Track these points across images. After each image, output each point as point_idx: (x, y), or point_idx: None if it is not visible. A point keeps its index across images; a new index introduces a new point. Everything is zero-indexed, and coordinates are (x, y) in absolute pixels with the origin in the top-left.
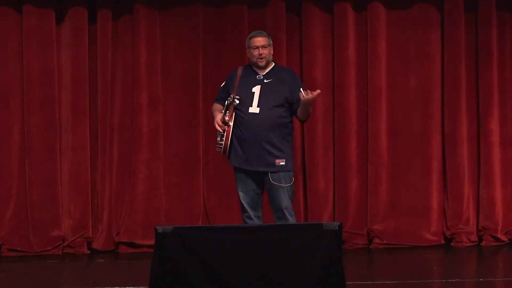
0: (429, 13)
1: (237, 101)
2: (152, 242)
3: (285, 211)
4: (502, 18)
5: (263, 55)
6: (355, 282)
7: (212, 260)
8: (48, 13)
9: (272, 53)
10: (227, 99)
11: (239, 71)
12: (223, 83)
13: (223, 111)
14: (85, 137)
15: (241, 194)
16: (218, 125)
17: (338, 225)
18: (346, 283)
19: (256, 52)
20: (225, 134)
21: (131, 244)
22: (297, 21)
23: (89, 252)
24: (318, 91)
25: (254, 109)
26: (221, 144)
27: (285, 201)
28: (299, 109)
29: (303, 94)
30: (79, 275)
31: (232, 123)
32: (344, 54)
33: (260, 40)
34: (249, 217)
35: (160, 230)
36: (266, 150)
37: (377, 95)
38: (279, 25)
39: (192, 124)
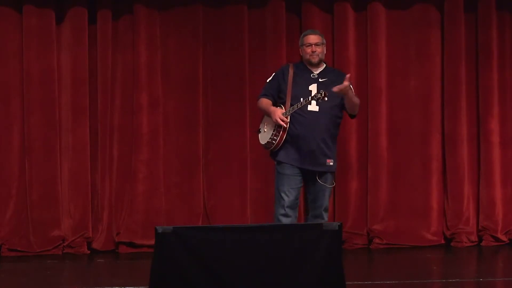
0: (429, 13)
1: (326, 98)
2: (152, 242)
3: (325, 211)
4: (502, 18)
5: (316, 52)
6: (355, 282)
7: (212, 260)
8: (48, 13)
9: (325, 52)
10: (315, 94)
11: (291, 68)
12: (270, 79)
13: (294, 106)
14: (85, 137)
15: (284, 191)
16: (282, 120)
17: (338, 225)
18: (346, 283)
19: (309, 49)
20: (282, 130)
21: (131, 244)
22: (297, 21)
23: (89, 252)
24: (348, 75)
25: (313, 107)
26: (275, 140)
27: (326, 201)
28: (345, 102)
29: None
30: (79, 275)
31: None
32: (344, 54)
33: (313, 38)
34: (286, 216)
35: (160, 230)
36: (321, 149)
37: (377, 95)
38: (279, 25)
39: (192, 124)
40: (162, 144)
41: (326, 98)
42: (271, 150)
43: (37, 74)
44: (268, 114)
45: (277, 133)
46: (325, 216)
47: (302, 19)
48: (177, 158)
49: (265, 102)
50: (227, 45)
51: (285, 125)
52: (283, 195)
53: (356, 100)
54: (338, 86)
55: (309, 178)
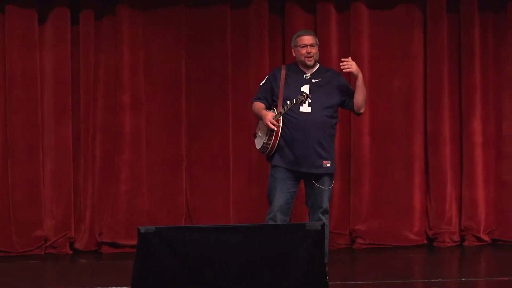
0: (412, 13)
1: (310, 100)
2: (135, 242)
3: (324, 214)
4: (484, 18)
5: (312, 53)
6: (338, 282)
7: (195, 260)
8: (31, 14)
9: (318, 53)
10: (298, 97)
11: (283, 70)
12: (263, 82)
13: (283, 109)
14: (67, 137)
15: (276, 196)
16: (272, 124)
17: (321, 225)
18: (329, 283)
19: (304, 51)
20: (274, 134)
21: (113, 244)
22: (280, 21)
23: (71, 252)
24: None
25: (305, 108)
26: (269, 144)
27: (325, 203)
28: (355, 92)
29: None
30: (61, 276)
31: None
32: (326, 54)
33: (308, 39)
34: (273, 219)
35: (142, 230)
36: (316, 151)
37: None
38: (262, 26)
39: (175, 124)
40: (145, 144)
41: (309, 100)
42: (267, 154)
43: (19, 74)
44: (260, 118)
45: (269, 137)
46: (324, 218)
47: (285, 19)
48: (160, 158)
49: (258, 106)
50: (209, 45)
51: (276, 128)
52: (272, 198)
53: (364, 90)
54: (345, 64)
55: (306, 181)
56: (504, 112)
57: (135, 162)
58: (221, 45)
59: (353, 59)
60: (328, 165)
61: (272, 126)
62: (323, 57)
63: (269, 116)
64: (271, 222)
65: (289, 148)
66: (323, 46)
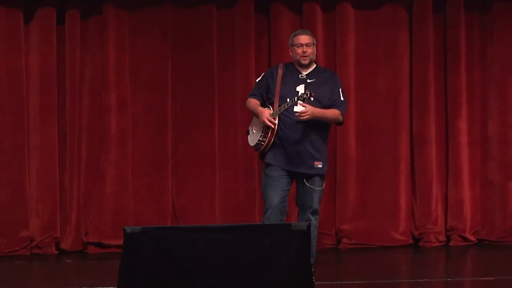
0: (398, 13)
1: (312, 98)
2: (121, 242)
3: (313, 214)
4: (470, 18)
5: (307, 53)
6: (324, 282)
7: (181, 260)
8: (16, 13)
9: (315, 53)
10: (301, 95)
11: (280, 68)
12: (260, 78)
13: (282, 106)
14: (53, 138)
15: (271, 193)
16: (269, 120)
17: (307, 225)
18: (315, 283)
19: (300, 50)
20: (270, 131)
21: (99, 245)
22: (266, 21)
23: (57, 252)
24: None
25: (299, 108)
26: (264, 141)
27: (315, 204)
28: None
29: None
30: (47, 276)
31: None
32: None
33: (304, 38)
34: (268, 219)
35: (128, 230)
36: (308, 151)
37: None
38: (247, 26)
39: (161, 124)
40: (131, 144)
41: (312, 98)
42: (261, 152)
43: (5, 74)
44: (256, 115)
45: (265, 135)
46: (314, 219)
47: (271, 19)
48: (146, 158)
49: (253, 102)
50: (195, 45)
51: (273, 126)
52: (267, 197)
53: (331, 114)
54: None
55: (298, 181)
56: (490, 112)
57: (121, 162)
58: (207, 45)
59: (339, 59)
60: (320, 166)
61: (270, 124)
62: None
63: (266, 113)
64: (267, 222)
65: (282, 147)
66: None
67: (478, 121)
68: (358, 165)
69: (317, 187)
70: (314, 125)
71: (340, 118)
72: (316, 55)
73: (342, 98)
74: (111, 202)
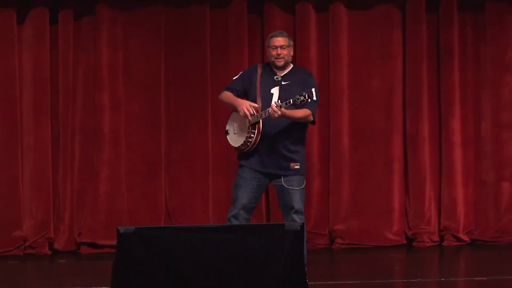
0: (391, 13)
1: (310, 100)
2: (114, 242)
3: (296, 214)
4: (463, 19)
5: (281, 55)
6: (317, 282)
7: (174, 260)
8: (9, 13)
9: (292, 54)
10: (299, 97)
11: (259, 68)
12: (237, 76)
13: (264, 111)
14: (46, 138)
15: (239, 194)
16: (247, 109)
17: (300, 225)
18: (308, 283)
19: (274, 52)
20: (257, 128)
21: (93, 245)
22: (259, 21)
23: (50, 252)
24: (272, 105)
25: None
26: (252, 138)
27: (297, 204)
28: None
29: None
30: (40, 276)
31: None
32: (305, 54)
33: (279, 40)
34: (236, 217)
35: (122, 231)
36: (282, 153)
37: (339, 95)
38: (241, 26)
39: (154, 124)
40: (124, 144)
41: (309, 100)
42: (249, 150)
43: None
44: (234, 106)
45: (252, 132)
46: (297, 218)
47: (264, 19)
48: (139, 158)
49: (229, 95)
50: (189, 45)
51: (250, 117)
52: (236, 197)
53: (302, 114)
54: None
55: (275, 183)
56: (483, 112)
57: (114, 162)
58: (200, 45)
59: (332, 59)
60: (297, 167)
61: (247, 112)
62: (302, 57)
63: (246, 102)
64: (233, 220)
65: (256, 150)
66: (302, 46)
67: (471, 121)
68: (352, 165)
69: (296, 187)
70: (288, 126)
71: (311, 117)
72: (310, 55)
73: (314, 98)
74: (104, 202)
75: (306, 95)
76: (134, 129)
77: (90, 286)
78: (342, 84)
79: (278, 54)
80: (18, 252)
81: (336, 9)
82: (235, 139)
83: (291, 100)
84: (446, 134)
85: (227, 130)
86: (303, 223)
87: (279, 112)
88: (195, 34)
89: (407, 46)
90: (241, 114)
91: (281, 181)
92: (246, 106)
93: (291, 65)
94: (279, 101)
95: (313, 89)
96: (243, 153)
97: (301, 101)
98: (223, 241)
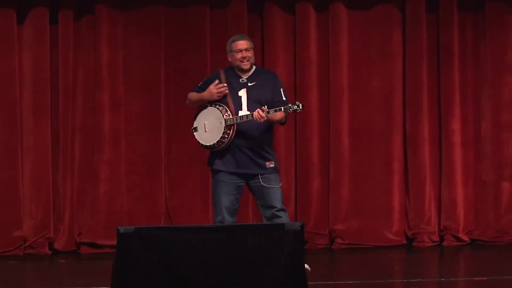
0: (391, 13)
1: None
2: (114, 242)
3: (279, 211)
4: (463, 19)
5: (247, 57)
6: (317, 282)
7: (174, 260)
8: (9, 13)
9: (254, 56)
10: (291, 106)
11: (222, 74)
12: (202, 82)
13: (245, 115)
14: (46, 137)
15: (221, 198)
16: (219, 89)
17: (300, 225)
18: (308, 283)
19: (239, 55)
20: (231, 129)
21: (93, 245)
22: (259, 21)
23: (50, 252)
24: (256, 111)
25: (244, 112)
26: (226, 138)
27: (278, 202)
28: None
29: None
30: (40, 276)
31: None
32: (305, 54)
33: (243, 43)
34: (222, 222)
35: (122, 231)
36: (258, 153)
37: (339, 95)
38: (240, 26)
39: (154, 124)
40: (124, 144)
41: (301, 110)
42: (223, 148)
43: None
44: (203, 99)
45: (227, 131)
46: (284, 216)
47: (264, 19)
48: (139, 158)
49: (195, 93)
50: (189, 45)
51: (227, 91)
52: (218, 202)
53: (279, 117)
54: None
55: (252, 184)
56: (483, 112)
57: (114, 162)
58: (200, 45)
59: (332, 59)
60: (272, 165)
61: (223, 89)
62: (302, 57)
63: (212, 87)
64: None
65: (229, 152)
66: (302, 46)
67: (471, 121)
68: (352, 165)
69: (275, 185)
70: (262, 126)
71: (284, 119)
72: (310, 55)
73: (284, 98)
74: (104, 202)
75: (300, 104)
76: (134, 129)
77: (90, 286)
78: (342, 84)
79: (244, 57)
80: (18, 252)
81: (336, 9)
82: (205, 137)
83: (282, 107)
84: (446, 134)
85: (195, 127)
86: (303, 223)
87: (265, 118)
88: (195, 34)
89: (407, 46)
90: (220, 96)
91: (259, 181)
92: (216, 89)
93: (254, 67)
94: (266, 106)
95: (281, 89)
96: (214, 156)
97: (293, 110)
98: (223, 241)
